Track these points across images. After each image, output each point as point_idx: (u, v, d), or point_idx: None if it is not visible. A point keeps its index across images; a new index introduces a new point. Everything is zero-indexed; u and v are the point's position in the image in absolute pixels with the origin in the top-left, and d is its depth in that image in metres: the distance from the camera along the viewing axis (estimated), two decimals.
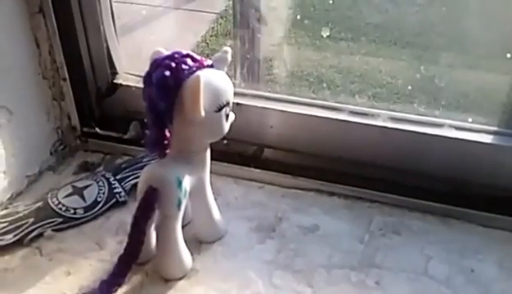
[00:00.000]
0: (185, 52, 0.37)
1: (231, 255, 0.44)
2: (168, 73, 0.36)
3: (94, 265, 0.43)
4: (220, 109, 0.38)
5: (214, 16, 1.93)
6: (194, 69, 0.37)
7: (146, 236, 0.40)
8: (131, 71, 0.56)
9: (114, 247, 0.45)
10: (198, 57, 0.38)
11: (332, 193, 0.50)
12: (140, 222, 0.39)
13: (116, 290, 0.39)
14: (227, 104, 0.39)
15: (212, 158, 0.51)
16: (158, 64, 0.37)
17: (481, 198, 0.47)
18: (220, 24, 1.96)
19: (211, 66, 0.38)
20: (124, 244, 0.39)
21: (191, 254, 0.43)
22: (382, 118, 0.49)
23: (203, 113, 0.36)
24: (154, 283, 0.42)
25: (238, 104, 0.52)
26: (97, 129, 0.56)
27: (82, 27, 0.51)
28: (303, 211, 0.49)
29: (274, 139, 0.53)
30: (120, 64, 0.55)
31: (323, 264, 0.43)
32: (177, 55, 0.37)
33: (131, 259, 0.39)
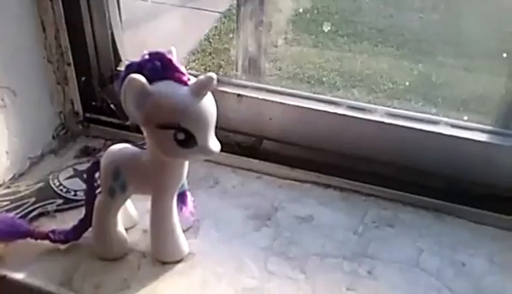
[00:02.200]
0: (167, 57, 0.36)
1: (228, 240, 0.45)
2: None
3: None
4: (163, 128, 0.35)
5: (218, 15, 1.94)
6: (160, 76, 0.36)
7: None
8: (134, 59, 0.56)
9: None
10: (178, 68, 0.36)
11: (328, 186, 0.51)
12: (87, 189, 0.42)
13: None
14: (179, 128, 0.35)
15: None
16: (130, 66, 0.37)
17: (473, 195, 0.48)
18: (223, 23, 1.97)
19: (185, 84, 0.36)
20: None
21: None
22: (379, 113, 0.50)
23: (132, 119, 0.36)
24: (152, 265, 0.43)
25: (239, 95, 0.53)
26: (99, 115, 0.56)
27: (88, 13, 0.52)
28: (298, 201, 0.50)
29: (273, 131, 0.54)
30: (124, 51, 0.56)
31: (317, 252, 0.44)
32: (149, 61, 0.36)
33: (85, 223, 0.42)
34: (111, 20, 0.54)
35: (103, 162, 0.40)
